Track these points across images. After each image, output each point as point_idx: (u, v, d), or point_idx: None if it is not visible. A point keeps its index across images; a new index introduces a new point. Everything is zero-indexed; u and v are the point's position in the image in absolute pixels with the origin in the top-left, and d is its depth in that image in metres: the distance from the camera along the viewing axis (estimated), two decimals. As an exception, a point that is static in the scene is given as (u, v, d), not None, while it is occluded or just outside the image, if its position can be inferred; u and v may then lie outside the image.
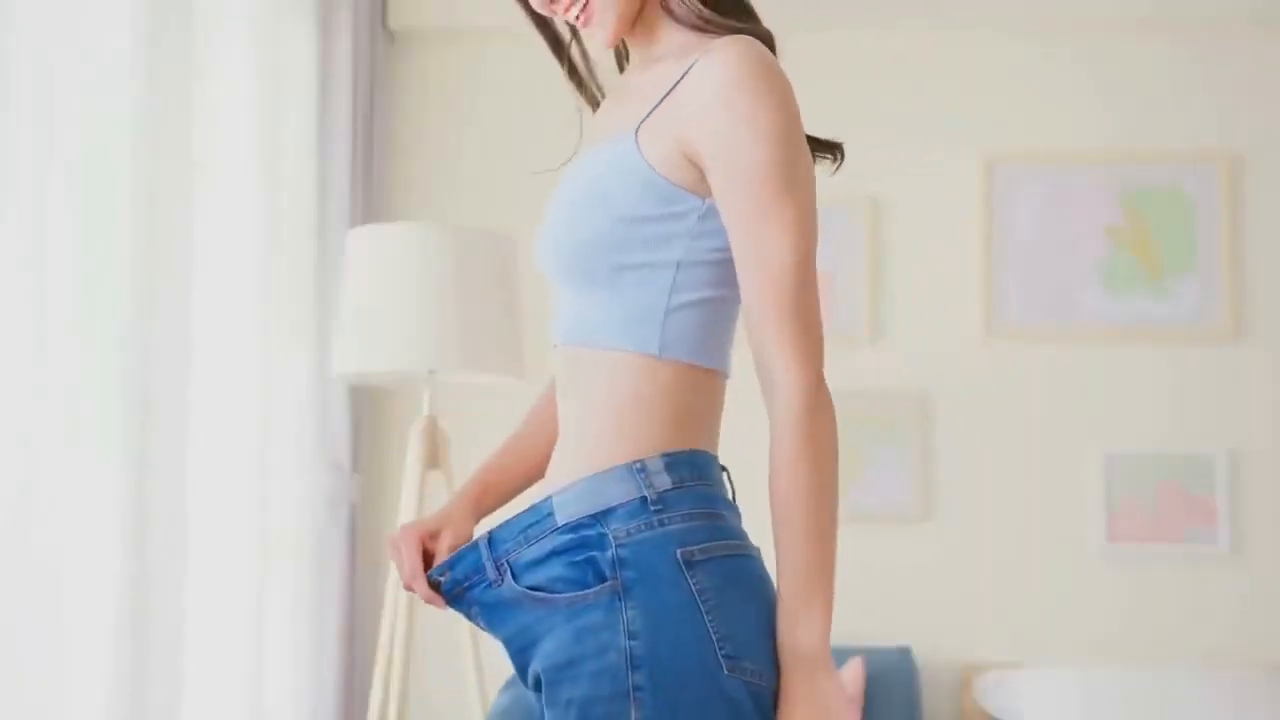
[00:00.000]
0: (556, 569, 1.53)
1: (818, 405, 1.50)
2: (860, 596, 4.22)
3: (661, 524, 1.51)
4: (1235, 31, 4.30)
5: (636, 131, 1.57)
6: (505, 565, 1.57)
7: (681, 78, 1.56)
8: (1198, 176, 4.27)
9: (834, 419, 1.51)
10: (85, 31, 2.63)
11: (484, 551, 1.59)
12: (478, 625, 1.63)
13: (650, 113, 1.57)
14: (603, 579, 1.50)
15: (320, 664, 3.79)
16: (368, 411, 4.18)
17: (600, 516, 1.52)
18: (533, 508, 1.57)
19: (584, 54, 1.78)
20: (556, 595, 1.52)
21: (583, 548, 1.52)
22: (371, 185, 4.12)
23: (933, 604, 4.21)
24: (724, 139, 1.51)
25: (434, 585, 1.64)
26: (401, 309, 3.16)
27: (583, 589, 1.50)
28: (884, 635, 4.14)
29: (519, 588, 1.55)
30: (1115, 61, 4.33)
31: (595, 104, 1.80)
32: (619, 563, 1.50)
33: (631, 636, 1.47)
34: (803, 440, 1.49)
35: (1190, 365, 4.24)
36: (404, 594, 3.20)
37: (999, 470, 4.25)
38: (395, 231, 3.28)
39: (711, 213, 1.55)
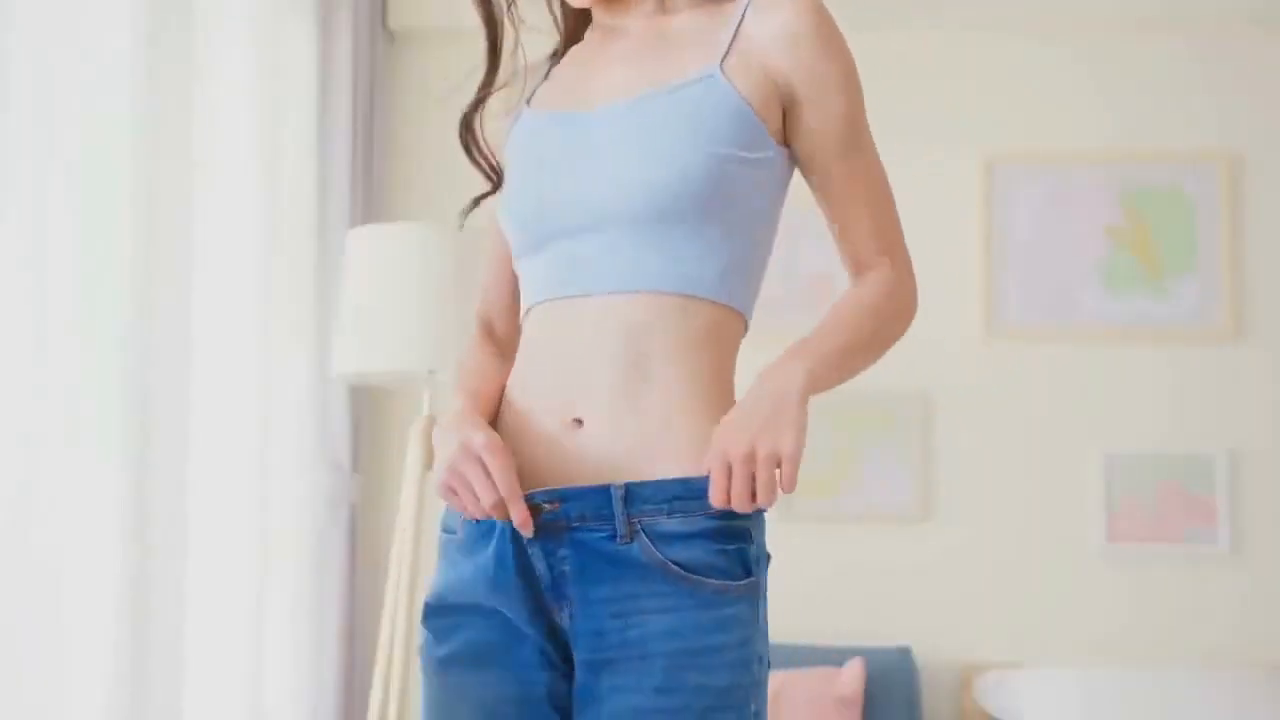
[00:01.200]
0: (704, 552, 1.50)
1: (912, 291, 1.66)
2: (860, 596, 4.23)
3: (762, 527, 1.57)
4: (1235, 31, 4.30)
5: (722, 68, 1.56)
6: (639, 527, 1.50)
7: (741, 20, 1.58)
8: (1198, 176, 4.27)
9: (912, 314, 1.67)
10: (85, 31, 2.62)
11: (617, 504, 1.50)
12: (552, 567, 1.52)
13: (728, 52, 1.57)
14: (749, 574, 1.51)
15: (320, 664, 3.79)
16: (368, 411, 4.18)
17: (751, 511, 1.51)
18: (683, 480, 1.50)
19: (515, 26, 1.71)
20: (705, 579, 1.49)
21: (733, 538, 1.50)
22: (371, 185, 4.12)
23: (933, 604, 4.21)
24: (822, 78, 1.59)
25: (536, 510, 1.51)
26: (401, 309, 3.16)
27: (731, 579, 1.50)
28: (884, 635, 4.14)
29: (658, 556, 1.49)
30: (1115, 61, 4.33)
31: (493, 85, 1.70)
32: (759, 561, 1.54)
33: (763, 634, 1.54)
34: (886, 295, 1.61)
35: (1190, 365, 4.24)
36: (404, 594, 3.20)
37: (999, 470, 4.25)
38: (395, 231, 3.27)
39: (780, 162, 1.59)
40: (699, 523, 1.50)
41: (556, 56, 1.75)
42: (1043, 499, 4.23)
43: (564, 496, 1.51)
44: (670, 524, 1.49)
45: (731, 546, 1.50)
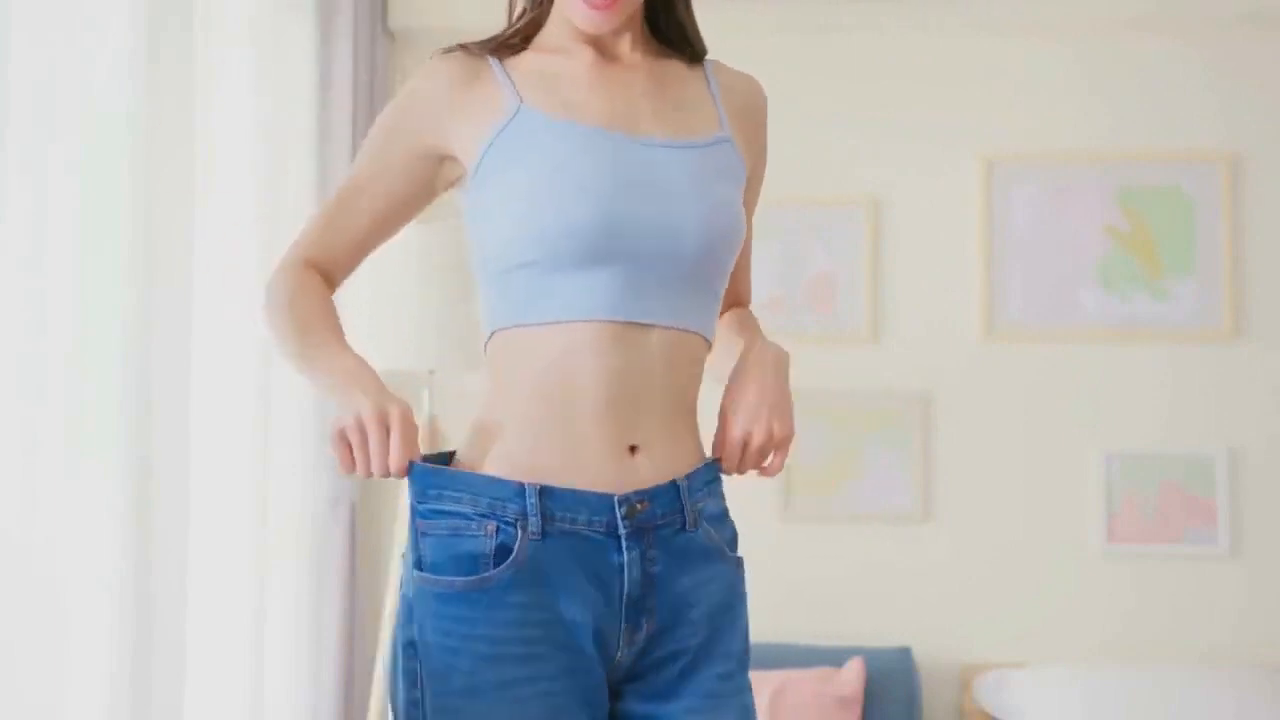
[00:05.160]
0: (728, 527, 1.68)
1: None
2: (860, 596, 4.23)
3: None
4: (1235, 31, 4.30)
5: (730, 134, 1.68)
6: (698, 513, 1.62)
7: (710, 84, 1.70)
8: (1197, 176, 4.27)
9: None
10: (85, 31, 2.62)
11: (685, 495, 1.61)
12: (645, 570, 1.58)
13: (723, 118, 1.69)
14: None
15: (320, 664, 3.79)
16: (368, 411, 4.17)
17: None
18: (708, 464, 1.66)
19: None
20: (735, 555, 1.67)
21: (730, 517, 1.70)
22: (371, 185, 4.11)
23: (933, 604, 4.21)
24: (763, 157, 1.76)
25: (631, 512, 1.57)
26: (401, 309, 3.16)
27: (737, 552, 1.69)
28: (884, 635, 4.14)
29: (716, 538, 1.64)
30: (1115, 61, 4.33)
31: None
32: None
33: None
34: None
35: (1190, 365, 4.24)
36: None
37: (999, 470, 4.25)
38: (395, 231, 3.27)
39: None
40: (722, 502, 1.68)
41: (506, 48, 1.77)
42: (1043, 499, 4.23)
43: (650, 497, 1.58)
44: (711, 504, 1.65)
45: (731, 523, 1.69)
